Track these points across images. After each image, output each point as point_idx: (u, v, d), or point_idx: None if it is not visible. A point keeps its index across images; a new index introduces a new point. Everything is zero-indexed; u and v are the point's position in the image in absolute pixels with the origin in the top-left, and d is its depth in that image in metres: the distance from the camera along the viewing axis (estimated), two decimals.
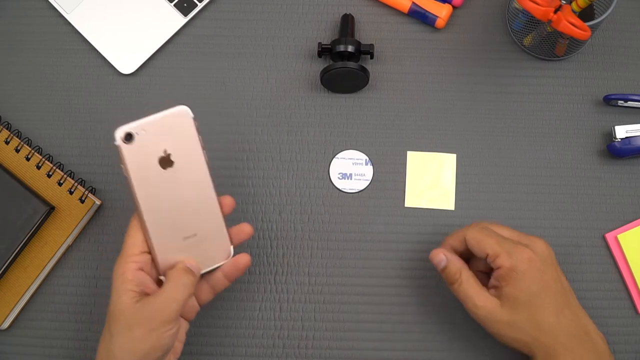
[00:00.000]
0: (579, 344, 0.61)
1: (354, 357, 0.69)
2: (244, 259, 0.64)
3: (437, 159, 0.73)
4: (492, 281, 0.63)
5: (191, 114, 0.61)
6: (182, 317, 0.63)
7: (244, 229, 0.64)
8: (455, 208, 0.72)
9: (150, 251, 0.61)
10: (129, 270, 0.59)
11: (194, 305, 0.64)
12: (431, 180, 0.73)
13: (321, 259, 0.72)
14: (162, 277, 0.61)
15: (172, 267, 0.61)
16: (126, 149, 0.60)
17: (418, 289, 0.71)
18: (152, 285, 0.60)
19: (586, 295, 0.70)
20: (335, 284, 0.71)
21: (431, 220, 0.72)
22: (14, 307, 0.69)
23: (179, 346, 0.63)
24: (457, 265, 0.63)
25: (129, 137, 0.60)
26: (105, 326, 0.59)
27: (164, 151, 0.61)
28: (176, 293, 0.58)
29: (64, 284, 0.71)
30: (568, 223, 0.72)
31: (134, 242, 0.60)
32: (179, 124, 0.62)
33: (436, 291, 0.71)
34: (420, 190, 0.72)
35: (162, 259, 0.62)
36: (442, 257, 0.64)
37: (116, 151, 0.60)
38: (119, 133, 0.60)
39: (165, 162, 0.61)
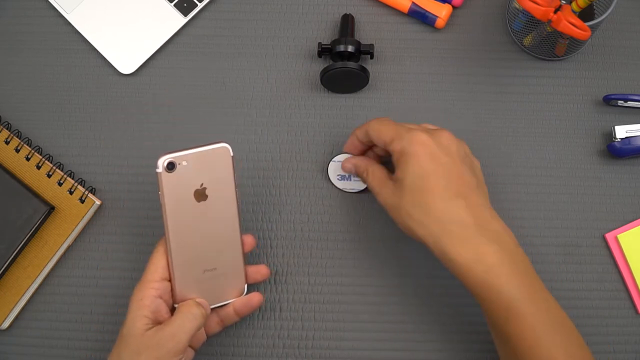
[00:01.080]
0: (473, 234, 0.59)
1: (354, 357, 0.69)
2: (257, 298, 0.66)
3: None
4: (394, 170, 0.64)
5: (231, 152, 0.63)
6: (189, 346, 0.63)
7: (261, 271, 0.67)
8: None
9: (170, 279, 0.63)
10: (148, 297, 0.60)
11: (202, 335, 0.65)
12: None
13: (321, 259, 0.72)
14: (176, 306, 0.63)
15: (186, 299, 0.63)
16: (166, 178, 0.62)
17: (418, 289, 0.71)
18: (166, 315, 0.61)
19: (586, 295, 0.70)
20: (335, 284, 0.71)
21: None
22: (14, 307, 0.69)
23: None
24: (363, 163, 0.67)
25: (170, 166, 0.62)
26: (115, 347, 0.60)
27: (200, 184, 0.63)
28: (185, 324, 0.60)
29: (64, 284, 0.71)
30: (568, 223, 0.72)
31: (156, 268, 0.62)
32: (219, 160, 0.63)
33: (436, 291, 0.71)
34: None
35: (180, 289, 0.63)
36: (349, 166, 0.69)
37: (156, 178, 0.62)
38: (162, 161, 0.61)
39: (200, 195, 0.63)
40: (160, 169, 0.62)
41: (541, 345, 0.56)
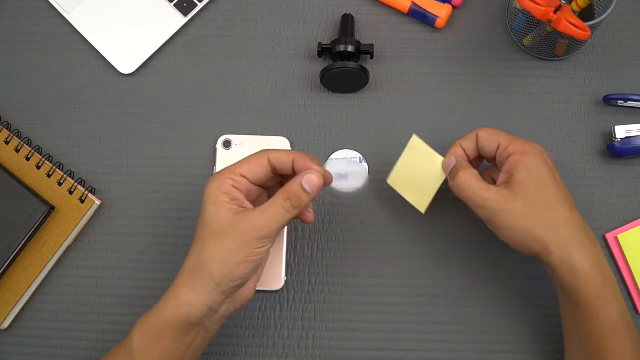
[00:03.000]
0: (593, 244, 0.60)
1: (354, 357, 0.69)
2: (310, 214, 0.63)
3: (434, 160, 0.70)
4: (502, 176, 0.62)
5: (289, 146, 0.71)
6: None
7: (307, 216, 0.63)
8: (424, 213, 0.69)
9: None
10: (226, 185, 0.58)
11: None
12: (418, 174, 0.70)
13: (321, 259, 0.71)
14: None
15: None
16: (221, 154, 0.71)
17: (418, 289, 0.71)
18: (246, 203, 0.59)
19: None
20: (335, 284, 0.71)
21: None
22: (14, 307, 0.69)
23: (252, 289, 0.62)
24: (464, 163, 0.63)
25: (227, 144, 0.72)
26: (196, 238, 0.59)
27: None
28: (279, 216, 0.58)
29: (64, 284, 0.71)
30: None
31: (242, 164, 0.59)
32: (275, 147, 0.66)
33: (436, 291, 0.71)
34: (405, 176, 0.70)
35: None
36: (452, 159, 0.64)
37: (213, 153, 0.72)
38: (221, 138, 0.72)
39: None
40: (217, 145, 0.71)
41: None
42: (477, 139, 0.64)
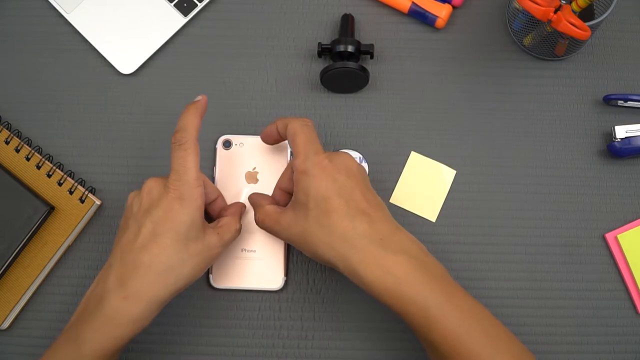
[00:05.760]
0: (379, 248, 0.58)
1: (354, 357, 0.69)
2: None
3: (437, 170, 0.73)
4: (292, 195, 0.63)
5: (290, 148, 0.69)
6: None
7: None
8: (435, 221, 0.72)
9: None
10: (200, 197, 0.62)
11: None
12: (424, 187, 0.72)
13: None
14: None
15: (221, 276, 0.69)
16: (221, 154, 0.71)
17: None
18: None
19: (586, 295, 0.70)
20: (335, 284, 0.71)
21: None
22: (14, 307, 0.69)
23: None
24: (260, 200, 0.66)
25: (227, 144, 0.71)
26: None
27: (253, 167, 0.70)
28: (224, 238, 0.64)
29: (64, 284, 0.71)
30: (568, 223, 0.72)
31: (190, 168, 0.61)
32: (277, 151, 0.70)
33: None
34: (409, 192, 0.72)
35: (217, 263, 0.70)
36: (250, 200, 0.68)
37: (213, 153, 0.72)
38: (221, 138, 0.71)
39: (251, 177, 0.70)
40: (217, 145, 0.71)
41: (462, 343, 0.56)
42: (286, 126, 0.64)
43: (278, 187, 0.67)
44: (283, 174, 0.67)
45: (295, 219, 0.61)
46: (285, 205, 0.66)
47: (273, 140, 0.68)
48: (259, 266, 0.69)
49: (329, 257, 0.60)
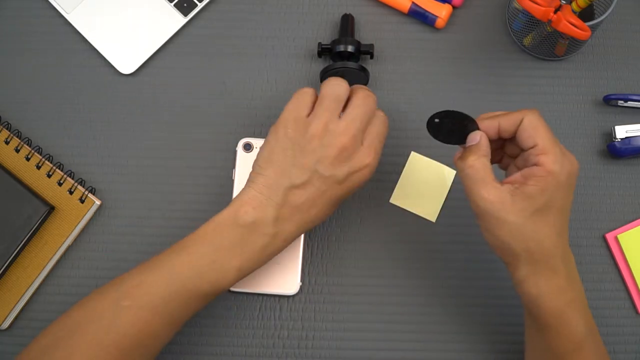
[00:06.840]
0: (565, 267, 0.58)
1: (354, 357, 0.69)
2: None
3: (437, 170, 0.73)
4: (517, 175, 0.57)
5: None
6: None
7: None
8: (435, 221, 0.72)
9: None
10: None
11: None
12: (424, 187, 0.72)
13: (321, 259, 0.72)
14: None
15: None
16: (241, 156, 0.71)
17: (417, 289, 0.71)
18: None
19: (586, 295, 0.70)
20: (335, 284, 0.71)
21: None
22: (14, 307, 0.69)
23: None
24: (482, 148, 0.58)
25: (247, 147, 0.71)
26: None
27: None
28: None
29: (64, 284, 0.71)
30: (568, 223, 0.72)
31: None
32: None
33: (437, 291, 0.71)
34: (409, 192, 0.72)
35: None
36: (478, 137, 0.58)
37: (233, 155, 0.72)
38: (241, 141, 0.71)
39: None
40: (238, 147, 0.71)
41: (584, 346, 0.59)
42: (518, 124, 0.58)
43: (493, 127, 0.59)
44: (507, 117, 0.58)
45: (512, 207, 0.56)
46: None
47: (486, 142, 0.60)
48: (275, 271, 0.69)
49: (517, 258, 0.57)
